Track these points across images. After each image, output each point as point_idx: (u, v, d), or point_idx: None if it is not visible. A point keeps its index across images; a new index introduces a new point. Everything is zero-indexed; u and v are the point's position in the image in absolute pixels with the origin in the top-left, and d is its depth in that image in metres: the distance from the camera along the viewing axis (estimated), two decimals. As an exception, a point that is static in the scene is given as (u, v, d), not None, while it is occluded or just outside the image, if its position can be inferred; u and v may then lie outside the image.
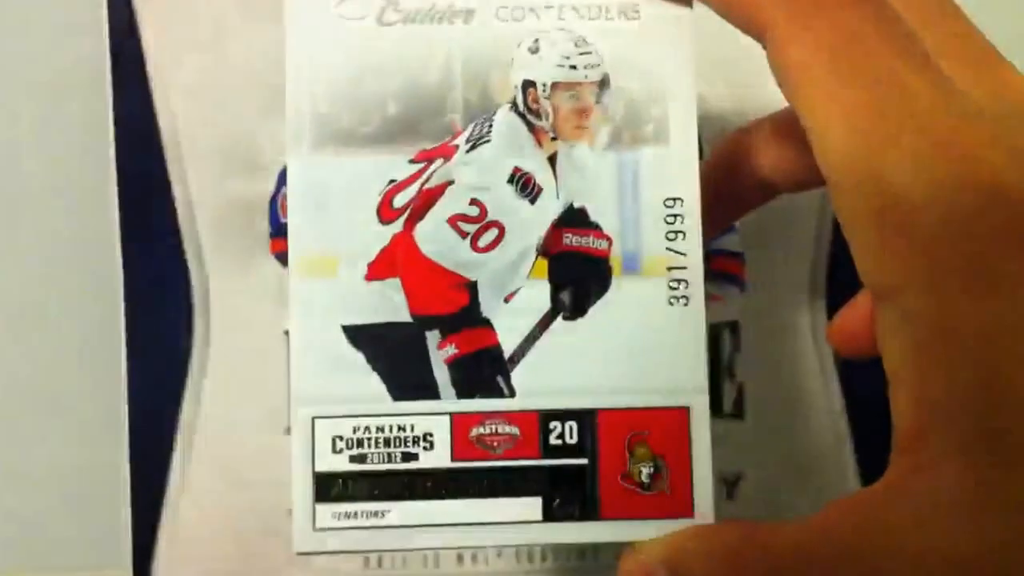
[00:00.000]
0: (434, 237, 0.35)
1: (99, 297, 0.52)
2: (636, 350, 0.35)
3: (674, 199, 0.35)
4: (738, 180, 0.40)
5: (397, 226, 0.35)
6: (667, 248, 0.35)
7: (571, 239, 0.35)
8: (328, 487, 0.35)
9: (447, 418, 0.35)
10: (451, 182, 0.35)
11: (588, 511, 0.35)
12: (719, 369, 0.53)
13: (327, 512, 0.34)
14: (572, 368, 0.35)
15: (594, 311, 0.35)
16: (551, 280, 0.35)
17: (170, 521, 0.51)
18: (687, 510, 0.35)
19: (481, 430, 0.35)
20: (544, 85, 0.35)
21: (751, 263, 0.53)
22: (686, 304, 0.35)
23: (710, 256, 0.52)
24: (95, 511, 0.56)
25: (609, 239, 0.35)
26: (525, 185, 0.35)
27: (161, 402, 0.51)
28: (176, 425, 0.51)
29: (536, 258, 0.35)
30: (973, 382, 0.30)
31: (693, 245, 0.35)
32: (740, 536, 0.33)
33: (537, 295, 0.35)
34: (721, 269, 0.53)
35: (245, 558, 0.51)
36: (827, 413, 0.53)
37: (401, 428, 0.34)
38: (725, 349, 0.53)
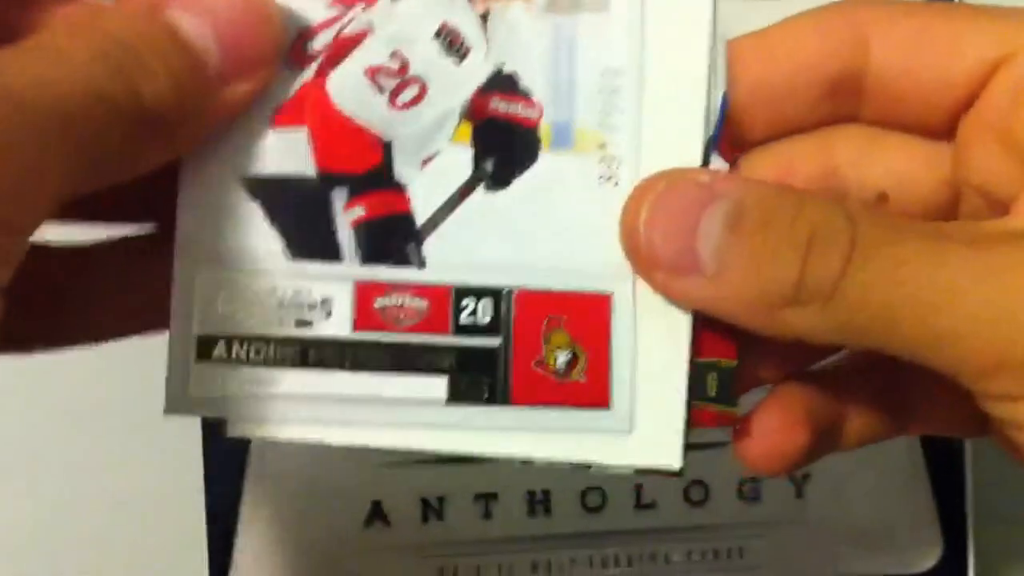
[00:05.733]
0: (348, 89, 0.32)
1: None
2: (559, 229, 0.32)
3: (611, 71, 0.32)
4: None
5: (308, 73, 0.31)
6: (601, 123, 0.32)
7: (498, 105, 0.32)
8: (209, 347, 0.31)
9: (350, 284, 0.32)
10: (371, 30, 0.32)
11: (497, 395, 0.32)
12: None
13: (206, 374, 0.31)
14: (490, 242, 0.32)
15: (518, 184, 0.32)
16: (474, 147, 0.32)
17: (245, 537, 0.52)
18: (603, 401, 0.32)
19: (386, 301, 0.32)
20: (482, -65, 0.32)
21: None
22: (616, 184, 0.32)
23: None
24: (172, 534, 0.58)
25: (539, 108, 0.32)
26: (452, 42, 0.32)
27: None
28: (247, 448, 0.51)
29: (459, 122, 0.32)
30: None
31: (629, 122, 0.32)
32: None
33: (457, 161, 0.32)
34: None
35: (319, 572, 0.52)
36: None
37: (297, 291, 0.31)
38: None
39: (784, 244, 0.30)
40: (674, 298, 0.32)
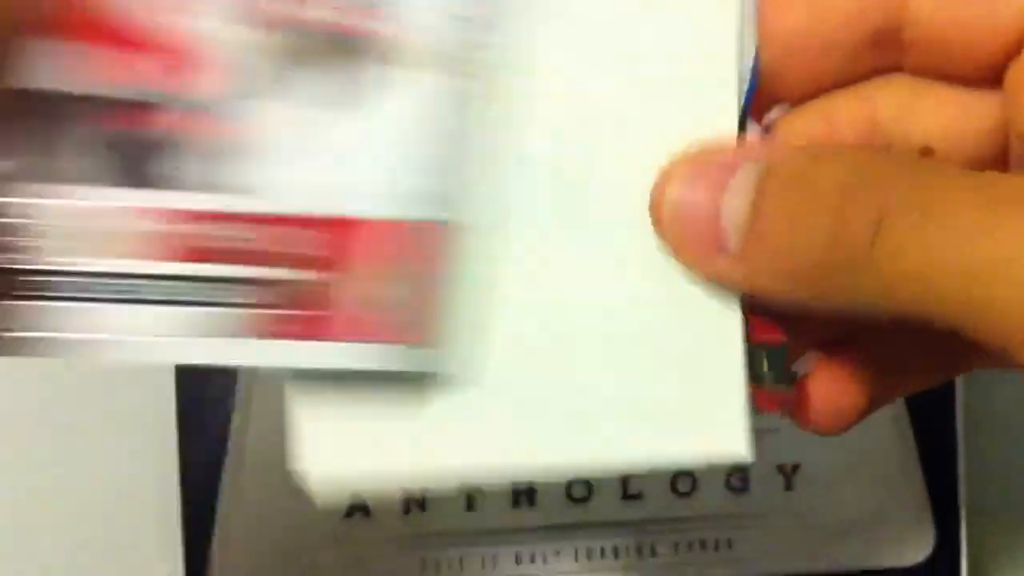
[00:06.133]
0: None
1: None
2: (403, 150, 0.29)
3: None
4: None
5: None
6: (458, 35, 0.30)
7: (327, 12, 0.29)
8: None
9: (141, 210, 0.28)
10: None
11: (316, 329, 0.29)
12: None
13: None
14: (317, 165, 0.29)
15: (356, 100, 0.29)
16: (305, 63, 0.29)
17: (223, 526, 0.51)
18: (426, 338, 0.30)
19: (199, 229, 0.29)
20: None
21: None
22: (481, 107, 0.30)
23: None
24: (148, 524, 0.57)
25: (381, 16, 0.29)
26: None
27: (214, 406, 0.51)
28: (228, 430, 0.51)
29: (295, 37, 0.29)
30: None
31: (491, 30, 0.30)
32: None
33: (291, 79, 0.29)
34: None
35: (298, 563, 0.52)
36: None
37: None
38: (785, 342, 0.52)
39: (811, 212, 0.28)
40: (708, 280, 0.31)
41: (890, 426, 0.53)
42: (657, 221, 0.30)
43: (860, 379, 0.34)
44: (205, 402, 0.51)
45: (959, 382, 0.52)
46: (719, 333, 0.31)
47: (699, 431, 0.31)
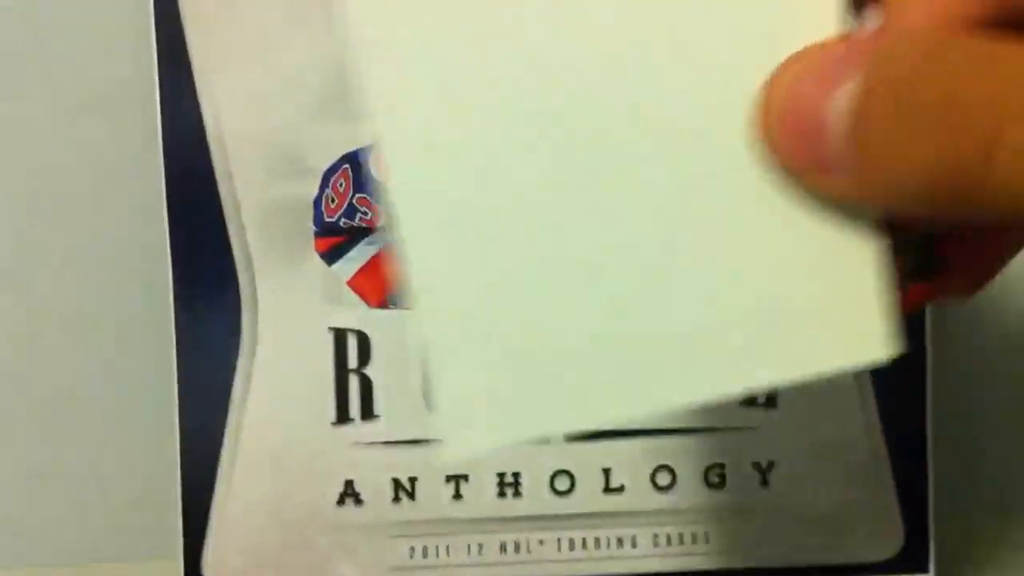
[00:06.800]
0: None
1: (150, 295, 0.56)
2: None
3: None
4: None
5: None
6: None
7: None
8: None
9: None
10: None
11: None
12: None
13: None
14: None
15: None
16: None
17: (220, 512, 0.53)
18: None
19: None
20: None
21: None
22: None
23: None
24: (148, 503, 0.60)
25: None
26: None
27: (210, 396, 0.52)
28: (225, 419, 0.52)
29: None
30: None
31: None
32: None
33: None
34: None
35: (292, 548, 0.53)
36: (858, 403, 0.54)
37: None
38: (762, 344, 0.53)
39: (916, 126, 0.24)
40: (814, 193, 0.28)
41: (861, 425, 0.54)
42: (765, 145, 0.28)
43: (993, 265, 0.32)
44: (204, 395, 0.53)
45: (928, 380, 0.53)
46: (847, 232, 0.28)
47: (837, 337, 0.29)
